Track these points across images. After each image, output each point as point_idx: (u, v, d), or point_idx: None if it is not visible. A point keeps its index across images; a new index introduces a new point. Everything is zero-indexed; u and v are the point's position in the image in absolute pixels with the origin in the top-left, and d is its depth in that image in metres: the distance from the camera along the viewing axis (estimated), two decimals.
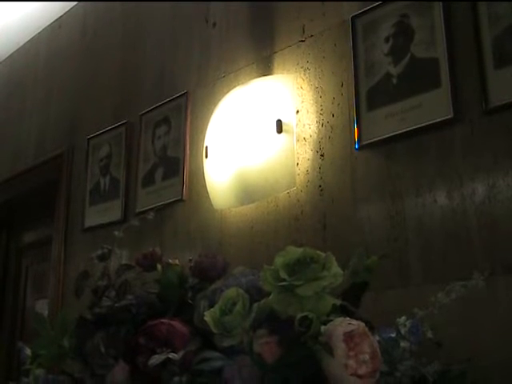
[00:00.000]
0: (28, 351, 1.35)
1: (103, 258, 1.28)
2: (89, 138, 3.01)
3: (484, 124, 1.62)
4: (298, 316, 1.03)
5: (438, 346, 1.48)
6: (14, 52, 3.91)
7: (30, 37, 3.74)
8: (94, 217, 2.85)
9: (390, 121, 1.79)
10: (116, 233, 1.42)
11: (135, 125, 2.75)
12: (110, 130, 2.89)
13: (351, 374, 1.06)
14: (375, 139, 1.82)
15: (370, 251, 1.29)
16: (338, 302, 1.11)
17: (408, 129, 1.74)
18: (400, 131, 1.76)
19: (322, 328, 1.07)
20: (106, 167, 2.87)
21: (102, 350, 1.17)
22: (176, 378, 1.03)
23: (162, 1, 2.79)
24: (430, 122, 1.70)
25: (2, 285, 3.92)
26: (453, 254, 1.62)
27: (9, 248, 3.99)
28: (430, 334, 1.32)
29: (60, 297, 2.94)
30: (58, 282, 2.98)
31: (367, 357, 1.09)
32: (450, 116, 1.66)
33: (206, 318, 1.08)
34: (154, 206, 2.40)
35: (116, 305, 1.21)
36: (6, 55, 3.96)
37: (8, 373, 3.56)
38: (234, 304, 1.08)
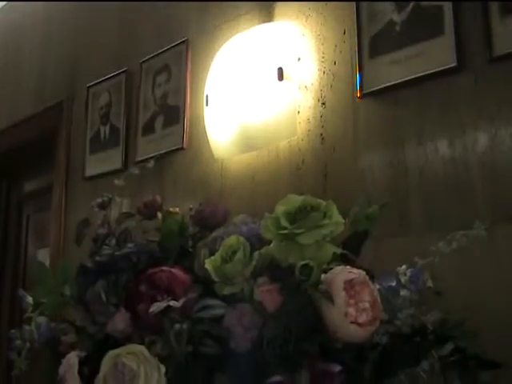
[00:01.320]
0: (29, 299, 1.35)
1: (103, 206, 1.27)
2: (88, 87, 2.98)
3: (488, 73, 1.60)
4: (299, 264, 1.03)
5: (437, 295, 1.48)
6: None
7: None
8: (95, 165, 2.84)
9: (393, 68, 1.77)
10: (116, 181, 1.42)
11: (135, 73, 2.72)
12: (110, 78, 2.86)
13: (351, 322, 1.07)
14: (378, 87, 1.80)
15: (371, 200, 1.29)
16: (339, 250, 1.11)
17: (411, 77, 1.72)
18: (403, 79, 1.74)
19: (323, 276, 1.08)
20: (106, 116, 2.85)
21: (103, 297, 1.17)
22: (177, 326, 1.03)
23: None
24: (434, 71, 1.68)
25: (3, 234, 3.94)
26: (454, 203, 1.61)
27: (9, 198, 3.99)
28: (430, 283, 1.32)
29: (61, 246, 2.95)
30: (58, 231, 2.99)
31: (367, 305, 1.09)
32: (453, 64, 1.64)
33: (206, 266, 1.08)
34: (154, 154, 2.39)
35: (116, 253, 1.21)
36: (4, 2, 3.90)
37: (11, 321, 3.59)
38: (235, 252, 1.08)
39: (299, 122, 1.99)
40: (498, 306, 1.49)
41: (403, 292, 1.25)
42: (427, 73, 1.69)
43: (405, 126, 1.73)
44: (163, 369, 1.06)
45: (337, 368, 1.02)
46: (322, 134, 1.93)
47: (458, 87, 1.64)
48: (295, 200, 1.09)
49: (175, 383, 1.08)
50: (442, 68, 1.66)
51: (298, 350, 1.05)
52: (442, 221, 1.62)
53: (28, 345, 1.32)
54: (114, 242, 1.25)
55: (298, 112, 2.00)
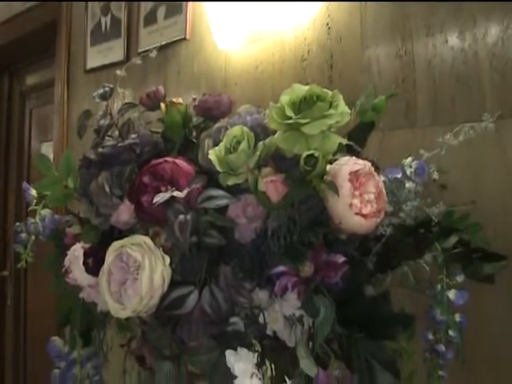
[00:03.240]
0: (33, 192, 1.35)
1: (105, 96, 1.24)
2: None
3: None
4: (304, 154, 1.01)
5: (442, 188, 1.48)
6: None
7: None
8: (96, 57, 2.79)
9: None
10: (118, 72, 1.38)
11: None
12: None
13: (356, 214, 1.06)
14: None
15: (377, 92, 1.26)
16: (344, 141, 1.09)
17: None
18: None
19: (328, 167, 1.06)
20: (107, 6, 2.78)
21: (107, 189, 1.16)
22: (181, 216, 1.03)
23: None
24: None
25: (6, 129, 3.92)
26: (462, 96, 1.58)
27: (11, 92, 3.95)
28: (435, 176, 1.32)
29: (64, 139, 2.94)
30: (61, 124, 2.98)
31: (372, 196, 1.09)
32: None
33: (210, 157, 1.07)
34: (156, 45, 2.34)
35: (119, 144, 1.19)
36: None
37: (17, 215, 3.63)
38: (239, 142, 1.06)
39: (304, 11, 1.93)
40: (503, 199, 1.49)
41: (408, 184, 1.24)
42: None
43: (414, 17, 1.68)
44: (168, 259, 1.07)
45: (341, 259, 1.02)
46: (328, 24, 1.87)
47: None
48: (300, 90, 1.07)
49: (180, 274, 1.09)
50: None
51: (302, 240, 1.06)
52: (449, 113, 1.59)
53: (33, 237, 1.33)
54: (116, 133, 1.23)
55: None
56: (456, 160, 1.45)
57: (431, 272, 1.24)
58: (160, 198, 1.05)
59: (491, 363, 1.52)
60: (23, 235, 1.34)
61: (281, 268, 1.01)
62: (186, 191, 1.04)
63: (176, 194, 1.04)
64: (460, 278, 1.25)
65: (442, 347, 1.24)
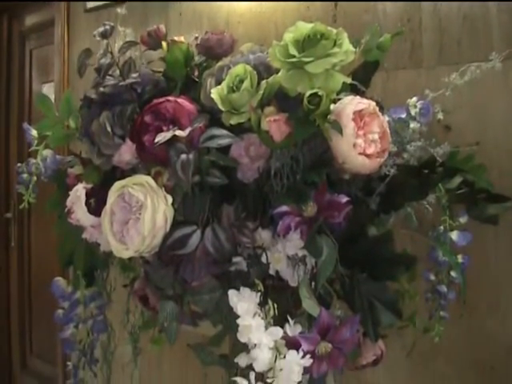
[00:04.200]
0: (33, 132, 1.33)
1: (105, 34, 1.22)
2: None
3: None
4: (308, 93, 1.00)
5: (447, 128, 1.46)
6: None
7: None
8: None
9: None
10: (119, 10, 1.36)
11: None
12: None
13: (359, 154, 1.06)
14: None
15: (382, 32, 1.24)
16: (349, 80, 1.07)
17: None
18: None
19: (332, 106, 1.05)
20: None
21: (108, 129, 1.15)
22: (183, 156, 1.02)
23: None
24: None
25: (6, 70, 3.88)
26: (468, 36, 1.55)
27: (11, 32, 3.90)
28: (440, 116, 1.30)
29: (65, 80, 2.91)
30: (62, 64, 2.94)
31: (376, 136, 1.08)
32: None
33: (212, 96, 1.05)
34: None
35: (120, 83, 1.17)
36: None
37: (19, 157, 3.62)
38: (242, 81, 1.05)
39: None
40: (508, 140, 1.47)
41: (413, 124, 1.23)
42: None
43: None
44: (170, 199, 1.06)
45: (344, 199, 1.02)
46: None
47: None
48: (304, 27, 1.05)
49: (182, 214, 1.08)
50: None
51: (305, 180, 1.05)
52: (455, 53, 1.56)
53: (35, 178, 1.32)
54: (117, 72, 1.21)
55: None
56: (461, 101, 1.43)
57: (434, 214, 1.24)
58: (162, 137, 1.04)
59: (492, 304, 1.53)
60: (25, 176, 1.33)
61: (284, 208, 1.01)
62: (188, 130, 1.03)
63: (178, 133, 1.03)
64: (463, 220, 1.25)
65: (443, 288, 1.25)
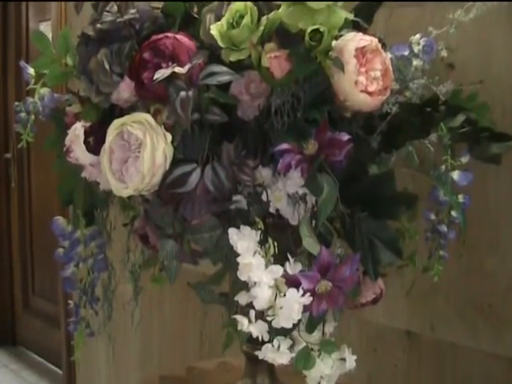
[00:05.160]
0: (31, 70, 1.32)
1: None
2: None
3: None
4: (309, 29, 0.98)
5: (450, 67, 1.45)
6: None
7: None
8: None
9: None
10: None
11: None
12: None
13: (361, 91, 1.04)
14: None
15: None
16: (351, 16, 1.05)
17: None
18: None
19: (334, 43, 1.03)
20: None
21: (106, 67, 1.13)
22: (182, 93, 1.01)
23: None
24: None
25: (3, 8, 3.84)
26: None
27: None
28: (443, 54, 1.29)
29: (62, 18, 2.87)
30: (59, 3, 2.90)
31: (378, 74, 1.07)
32: None
33: (212, 32, 1.03)
34: None
35: (118, 20, 1.15)
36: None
37: (18, 96, 3.60)
38: (242, 17, 1.02)
39: None
40: (509, 81, 1.45)
41: (416, 62, 1.21)
42: None
43: None
44: (169, 137, 1.05)
45: (345, 137, 1.01)
46: None
47: None
48: None
49: (182, 152, 1.07)
50: None
51: (306, 118, 1.04)
52: None
53: (32, 117, 1.31)
54: (115, 8, 1.19)
55: None
56: (465, 38, 1.41)
57: (436, 154, 1.23)
58: (161, 74, 1.02)
59: (492, 244, 1.54)
60: (23, 115, 1.32)
61: (284, 146, 1.00)
62: (187, 67, 1.01)
63: (177, 69, 1.01)
64: (464, 159, 1.24)
65: (444, 228, 1.25)
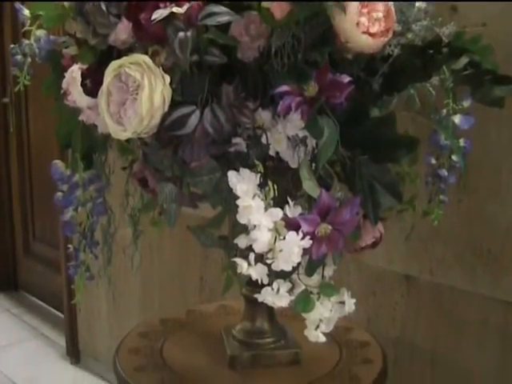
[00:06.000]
0: (26, 12, 1.29)
1: None
2: None
3: None
4: None
5: (453, 10, 1.42)
6: None
7: None
8: None
9: None
10: None
11: None
12: None
13: (363, 32, 1.03)
14: None
15: None
16: None
17: None
18: None
19: None
20: None
21: (103, 8, 1.11)
22: (181, 34, 0.99)
23: None
24: None
25: None
26: None
27: None
28: None
29: None
30: None
31: (380, 15, 1.05)
32: None
33: None
34: None
35: None
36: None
37: (14, 39, 3.55)
38: None
39: None
40: None
41: (418, 3, 1.19)
42: None
43: None
44: (168, 79, 1.04)
45: (346, 79, 0.99)
46: None
47: None
48: None
49: (181, 94, 1.06)
50: None
51: (307, 60, 1.02)
52: None
53: (29, 59, 1.29)
54: None
55: None
56: None
57: (437, 97, 1.22)
58: (159, 14, 1.00)
59: (492, 188, 1.54)
60: (19, 58, 1.30)
61: (284, 87, 0.98)
62: (185, 7, 0.99)
63: (175, 9, 0.99)
64: (466, 103, 1.23)
65: (444, 172, 1.24)
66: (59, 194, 1.30)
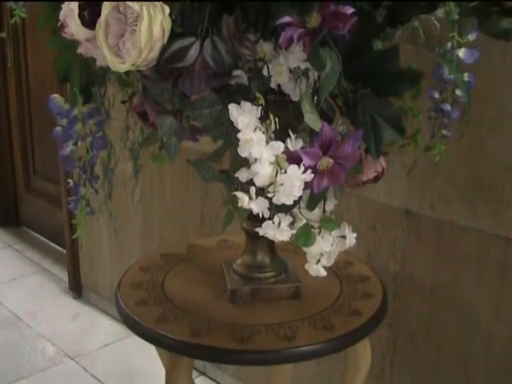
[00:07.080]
0: None
1: None
2: None
3: None
4: None
5: None
6: None
7: None
8: None
9: None
10: None
11: None
12: None
13: None
14: None
15: None
16: None
17: None
18: None
19: None
20: None
21: None
22: None
23: None
24: None
25: None
26: None
27: None
28: None
29: None
30: None
31: None
32: None
33: None
34: None
35: None
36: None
37: None
38: None
39: None
40: None
41: None
42: None
43: None
44: (167, 10, 1.01)
45: (349, 10, 0.97)
46: None
47: None
48: None
49: (180, 25, 1.04)
50: None
51: None
52: None
53: None
54: None
55: None
56: None
57: (442, 30, 1.19)
58: None
59: (495, 124, 1.52)
60: None
61: (286, 18, 0.96)
62: None
63: None
64: (471, 37, 1.20)
65: (447, 106, 1.23)
66: (58, 128, 1.29)
